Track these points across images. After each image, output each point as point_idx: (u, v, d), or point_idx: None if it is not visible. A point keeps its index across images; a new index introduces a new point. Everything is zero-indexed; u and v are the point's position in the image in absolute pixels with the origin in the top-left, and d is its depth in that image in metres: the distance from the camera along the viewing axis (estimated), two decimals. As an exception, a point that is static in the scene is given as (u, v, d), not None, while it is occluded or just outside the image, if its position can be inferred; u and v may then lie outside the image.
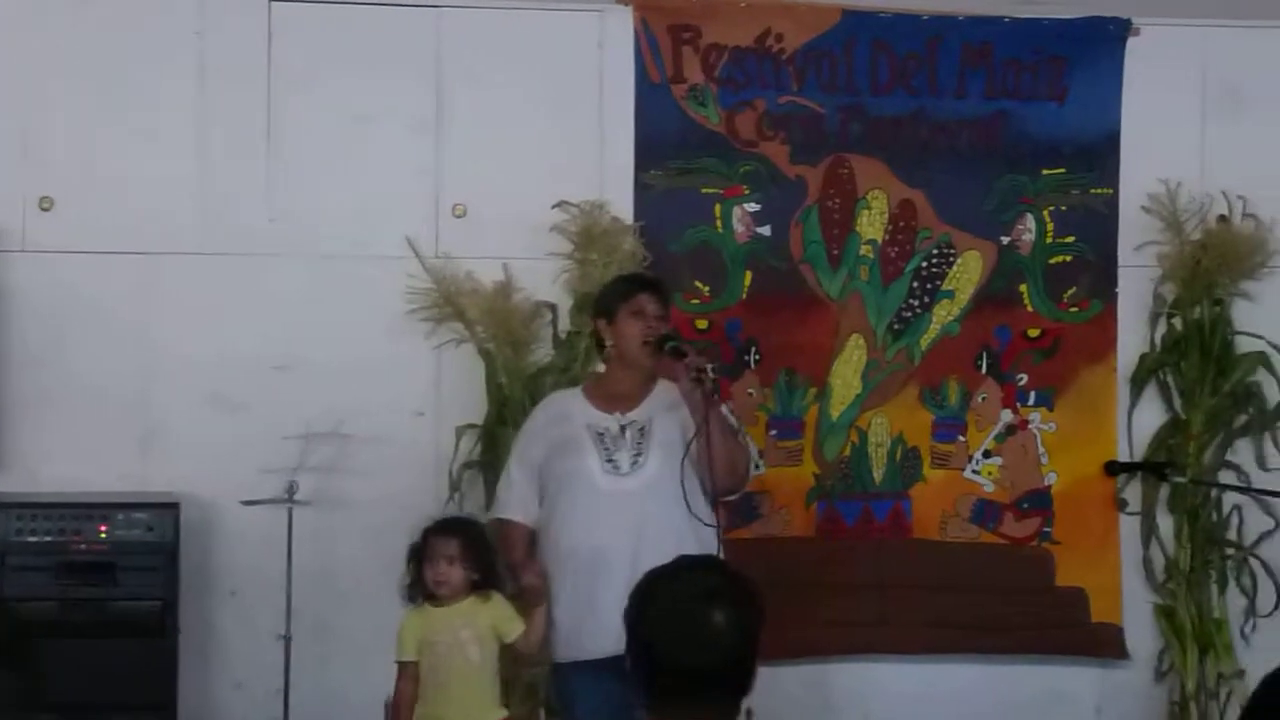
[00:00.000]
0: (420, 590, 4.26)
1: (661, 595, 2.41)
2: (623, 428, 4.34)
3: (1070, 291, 5.46)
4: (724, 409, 4.50)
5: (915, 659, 5.41)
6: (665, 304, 4.49)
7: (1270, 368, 5.50)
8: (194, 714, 4.91)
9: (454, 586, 4.21)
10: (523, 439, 4.52)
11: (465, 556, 4.23)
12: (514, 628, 4.23)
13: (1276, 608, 5.44)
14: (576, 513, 4.22)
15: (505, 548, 4.44)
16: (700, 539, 4.15)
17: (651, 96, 5.26)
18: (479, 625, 4.23)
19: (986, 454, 5.47)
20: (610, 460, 4.28)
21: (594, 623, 4.11)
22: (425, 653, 4.23)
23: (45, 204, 4.95)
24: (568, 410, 4.43)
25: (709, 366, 4.27)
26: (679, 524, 4.19)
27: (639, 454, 4.30)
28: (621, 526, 4.16)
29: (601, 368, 4.70)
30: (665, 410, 4.34)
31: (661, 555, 2.51)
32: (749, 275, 5.33)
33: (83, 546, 4.79)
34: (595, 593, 4.13)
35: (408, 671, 4.24)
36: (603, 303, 4.54)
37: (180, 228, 5.02)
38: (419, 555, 4.26)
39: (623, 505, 4.18)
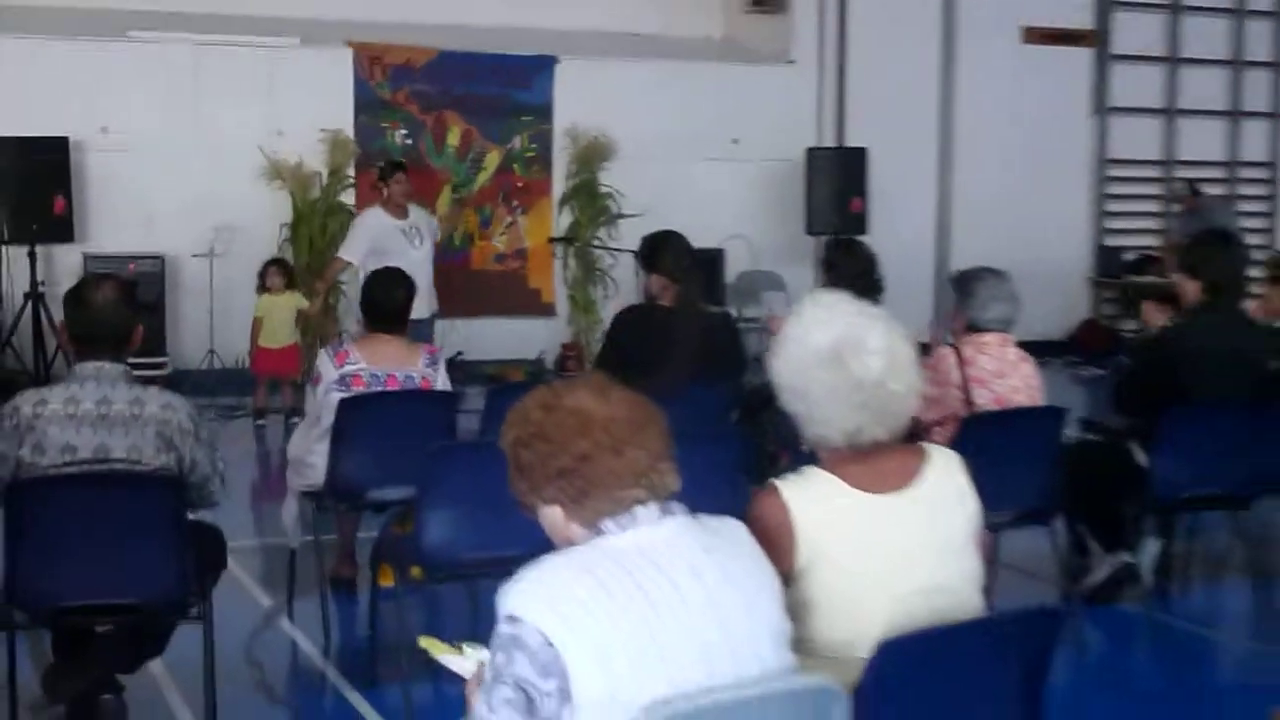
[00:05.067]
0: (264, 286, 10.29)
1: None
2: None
3: (534, 167, 12.11)
4: None
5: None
6: None
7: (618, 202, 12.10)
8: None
9: (279, 286, 10.34)
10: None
11: (286, 273, 10.52)
12: (304, 302, 10.49)
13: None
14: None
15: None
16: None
17: (363, 86, 11.70)
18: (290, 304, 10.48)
19: (503, 233, 12.20)
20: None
21: None
22: (266, 317, 10.20)
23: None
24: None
25: None
26: None
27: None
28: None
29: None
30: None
31: None
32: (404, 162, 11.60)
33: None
34: None
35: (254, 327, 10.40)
36: None
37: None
38: (264, 268, 10.42)
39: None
